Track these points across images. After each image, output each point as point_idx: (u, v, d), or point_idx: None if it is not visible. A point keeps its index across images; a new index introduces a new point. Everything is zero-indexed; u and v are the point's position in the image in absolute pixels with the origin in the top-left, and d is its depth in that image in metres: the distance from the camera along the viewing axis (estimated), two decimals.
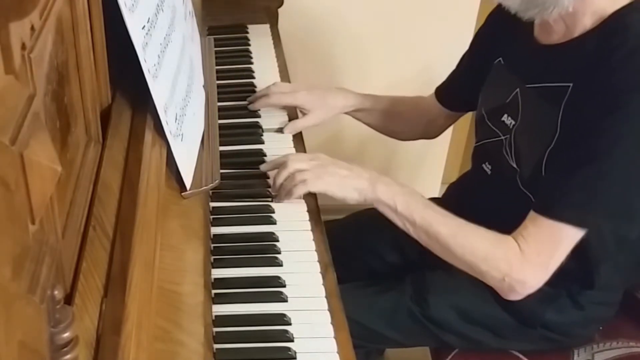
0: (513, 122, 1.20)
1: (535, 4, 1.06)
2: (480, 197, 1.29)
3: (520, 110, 1.18)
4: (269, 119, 1.42)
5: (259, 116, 1.43)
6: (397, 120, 1.52)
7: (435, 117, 1.51)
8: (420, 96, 1.53)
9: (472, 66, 1.39)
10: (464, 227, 1.13)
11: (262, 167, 1.26)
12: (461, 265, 1.14)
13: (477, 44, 1.40)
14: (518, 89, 1.19)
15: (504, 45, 1.26)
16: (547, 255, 1.09)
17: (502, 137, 1.22)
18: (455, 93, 1.45)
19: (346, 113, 1.49)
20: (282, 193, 1.18)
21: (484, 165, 1.29)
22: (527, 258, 1.08)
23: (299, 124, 1.41)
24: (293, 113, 1.45)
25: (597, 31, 1.08)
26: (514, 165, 1.19)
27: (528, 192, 1.16)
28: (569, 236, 1.07)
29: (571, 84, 1.09)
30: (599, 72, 1.05)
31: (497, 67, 1.27)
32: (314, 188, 1.16)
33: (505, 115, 1.22)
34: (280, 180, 1.18)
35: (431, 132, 1.56)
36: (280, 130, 1.40)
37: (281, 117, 1.43)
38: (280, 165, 1.20)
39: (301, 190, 1.16)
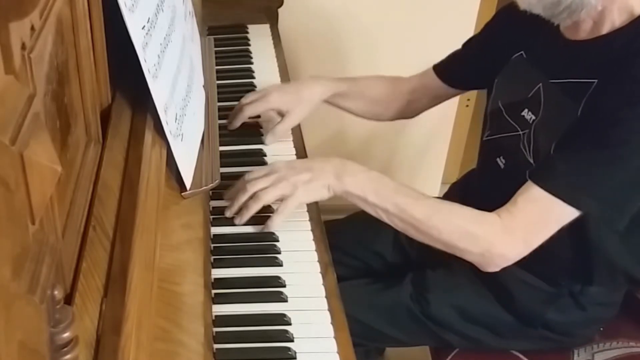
0: (533, 117, 1.18)
1: (560, 9, 1.05)
2: (491, 190, 1.27)
3: (542, 106, 1.17)
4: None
5: (258, 116, 1.42)
6: (377, 99, 1.46)
7: (418, 97, 1.46)
8: (398, 76, 1.48)
9: (483, 53, 1.36)
10: (439, 207, 1.11)
11: (225, 196, 1.17)
12: (438, 245, 1.11)
13: (491, 34, 1.36)
14: (541, 84, 1.18)
15: (527, 39, 1.23)
16: (532, 230, 1.07)
17: (520, 132, 1.20)
18: (460, 69, 1.41)
19: (326, 102, 1.42)
20: (245, 214, 1.13)
21: (498, 160, 1.27)
22: (510, 232, 1.07)
23: (279, 130, 1.34)
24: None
25: (625, 30, 1.07)
26: (531, 160, 1.18)
27: None
28: (557, 213, 1.06)
29: (596, 80, 1.08)
30: (623, 68, 1.05)
31: (517, 60, 1.25)
32: (290, 206, 1.12)
33: (526, 110, 1.20)
34: (240, 201, 1.13)
35: (408, 112, 1.50)
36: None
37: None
38: (239, 190, 1.14)
39: (279, 217, 1.12)
